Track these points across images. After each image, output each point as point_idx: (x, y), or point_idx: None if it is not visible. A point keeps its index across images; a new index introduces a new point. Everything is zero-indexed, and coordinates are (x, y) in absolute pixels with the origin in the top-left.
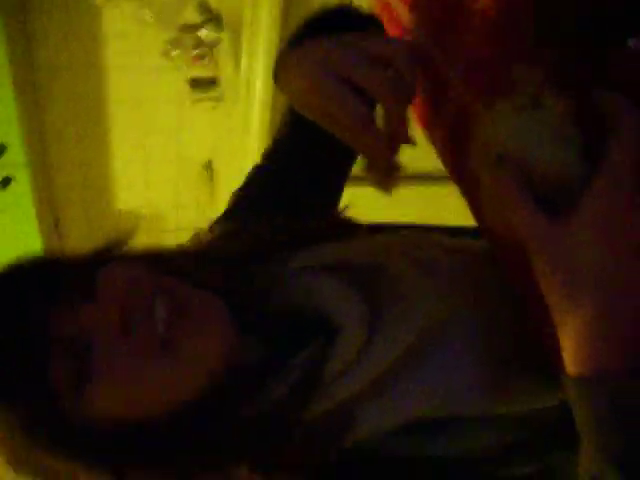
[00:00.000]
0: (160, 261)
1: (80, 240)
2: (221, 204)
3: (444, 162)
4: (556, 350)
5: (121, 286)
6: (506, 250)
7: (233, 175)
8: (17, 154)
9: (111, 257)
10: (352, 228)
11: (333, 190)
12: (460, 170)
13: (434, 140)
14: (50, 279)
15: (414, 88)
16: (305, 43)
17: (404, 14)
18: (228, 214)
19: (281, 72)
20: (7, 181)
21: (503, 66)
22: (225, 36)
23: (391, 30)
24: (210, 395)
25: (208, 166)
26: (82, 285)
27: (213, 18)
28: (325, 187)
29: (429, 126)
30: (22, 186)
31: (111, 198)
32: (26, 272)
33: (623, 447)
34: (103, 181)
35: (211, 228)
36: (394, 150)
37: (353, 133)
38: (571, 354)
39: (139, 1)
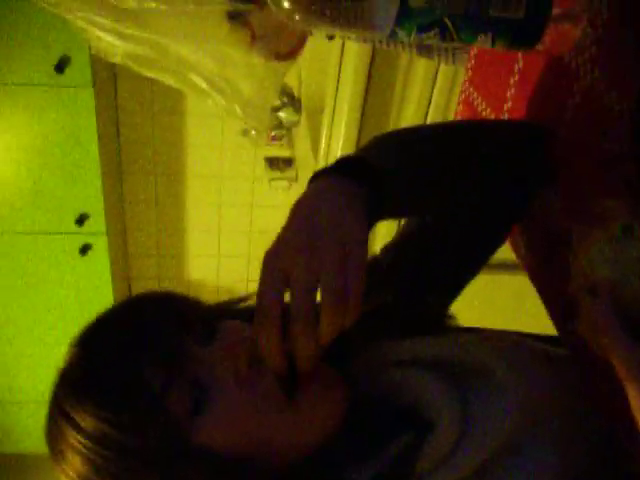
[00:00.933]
0: None
1: None
2: None
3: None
4: None
5: (248, 337)
6: (596, 368)
7: None
8: (97, 223)
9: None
10: (449, 325)
11: (453, 287)
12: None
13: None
14: (180, 314)
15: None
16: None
17: (491, 117)
18: None
19: None
20: (86, 249)
21: (596, 199)
22: (303, 119)
23: None
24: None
25: None
26: (206, 328)
27: (293, 101)
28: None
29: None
30: (100, 254)
31: (184, 268)
32: (160, 301)
33: None
34: (177, 251)
35: None
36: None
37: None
38: None
39: (228, 97)
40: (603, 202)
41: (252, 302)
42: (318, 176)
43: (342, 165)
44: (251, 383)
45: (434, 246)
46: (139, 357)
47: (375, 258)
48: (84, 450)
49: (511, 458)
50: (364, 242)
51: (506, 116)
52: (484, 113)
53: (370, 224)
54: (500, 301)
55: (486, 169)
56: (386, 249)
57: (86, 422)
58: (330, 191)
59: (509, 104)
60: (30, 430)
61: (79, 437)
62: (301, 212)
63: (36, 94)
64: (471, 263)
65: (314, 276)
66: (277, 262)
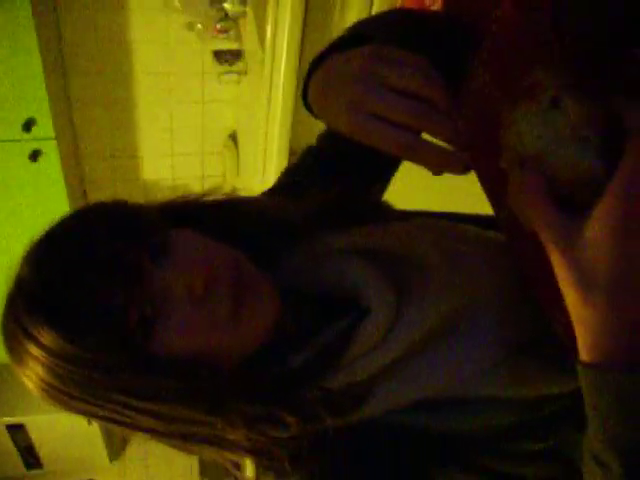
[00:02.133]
0: (223, 225)
1: None
2: (244, 175)
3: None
4: (569, 338)
5: (202, 258)
6: (525, 242)
7: (256, 147)
8: (46, 128)
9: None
10: (387, 212)
11: (382, 178)
12: (482, 162)
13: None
14: (133, 228)
15: (446, 104)
16: (329, 65)
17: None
18: (278, 189)
19: (313, 96)
20: (37, 154)
21: (523, 70)
22: (250, 10)
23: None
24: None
25: (233, 136)
26: (160, 242)
27: None
28: (376, 175)
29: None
30: (51, 159)
31: (138, 168)
32: (111, 214)
33: (626, 434)
34: (130, 152)
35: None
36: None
37: (406, 157)
38: (585, 344)
39: None
40: (532, 74)
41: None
42: (317, 63)
43: (339, 43)
44: (204, 303)
45: None
46: (97, 275)
47: (312, 148)
48: (46, 362)
49: (441, 341)
50: None
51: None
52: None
53: None
54: (443, 182)
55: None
56: (322, 136)
57: (46, 339)
58: (349, 53)
59: None
60: None
61: (39, 351)
62: (343, 98)
63: None
64: None
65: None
66: (368, 118)
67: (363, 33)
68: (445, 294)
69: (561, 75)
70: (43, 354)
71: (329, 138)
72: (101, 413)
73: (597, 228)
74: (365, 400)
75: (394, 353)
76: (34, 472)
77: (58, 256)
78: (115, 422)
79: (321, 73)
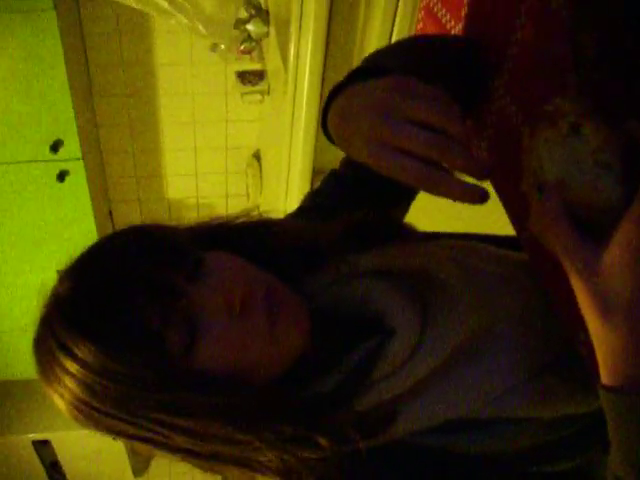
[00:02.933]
0: (255, 248)
1: None
2: (267, 193)
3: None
4: (592, 359)
5: (237, 275)
6: (547, 264)
7: (279, 166)
8: (73, 149)
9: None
10: (410, 234)
11: (403, 202)
12: (507, 189)
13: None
14: (167, 249)
15: (464, 137)
16: (349, 94)
17: (450, 23)
18: (301, 212)
19: (333, 125)
20: (64, 175)
21: (543, 94)
22: (272, 30)
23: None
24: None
25: (257, 155)
26: (194, 263)
27: (260, 13)
28: (397, 200)
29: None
30: (78, 179)
31: (162, 188)
32: (146, 236)
33: None
34: (155, 171)
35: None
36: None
37: (425, 189)
38: (606, 366)
39: (190, 14)
40: (553, 100)
41: (228, 222)
42: (337, 91)
43: (358, 72)
44: (242, 318)
45: None
46: (136, 292)
47: (334, 171)
48: (82, 377)
49: (465, 361)
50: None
51: (462, 23)
52: (444, 19)
53: None
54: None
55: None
56: (344, 161)
57: (83, 354)
58: (369, 84)
59: (465, 9)
60: (15, 357)
61: (77, 367)
62: (362, 102)
63: None
64: None
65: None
66: (388, 150)
67: (382, 64)
68: (468, 314)
69: (580, 102)
70: (80, 369)
71: (350, 163)
72: (133, 431)
73: (616, 254)
74: (393, 421)
75: (419, 374)
76: None
77: (98, 273)
78: (147, 441)
79: (341, 102)
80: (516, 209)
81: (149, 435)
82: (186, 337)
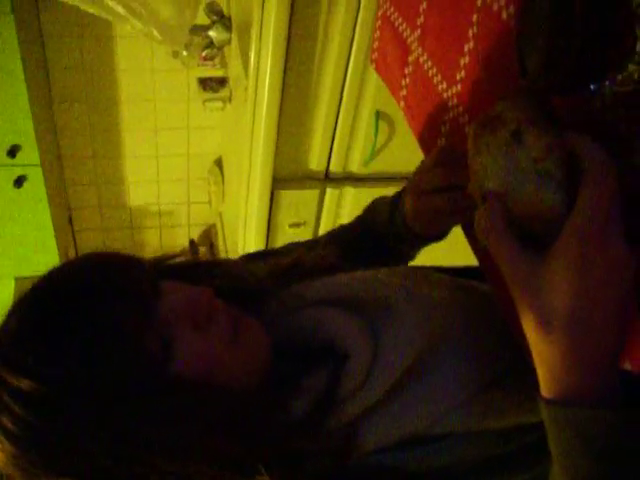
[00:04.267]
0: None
1: (93, 235)
2: (229, 201)
3: None
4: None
5: (195, 294)
6: (499, 276)
7: (240, 174)
8: (31, 154)
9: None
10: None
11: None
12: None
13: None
14: (123, 276)
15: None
16: None
17: (406, 32)
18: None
19: None
20: (21, 180)
21: (489, 101)
22: (234, 37)
23: (392, 47)
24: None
25: (219, 162)
26: (152, 285)
27: (222, 19)
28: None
29: (423, 142)
30: (36, 185)
31: (124, 194)
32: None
33: (586, 467)
34: (116, 178)
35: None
36: None
37: None
38: (545, 380)
39: (145, 20)
40: (495, 105)
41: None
42: None
43: None
44: (208, 328)
45: None
46: (111, 301)
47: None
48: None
49: (421, 375)
50: None
51: (418, 32)
52: (400, 28)
53: None
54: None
55: None
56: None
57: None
58: None
59: (421, 19)
60: None
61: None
62: None
63: None
64: None
65: None
66: None
67: None
68: (416, 334)
69: (522, 108)
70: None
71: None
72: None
73: (555, 265)
74: (353, 444)
75: (376, 394)
76: None
77: (65, 291)
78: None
79: None
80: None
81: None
82: (161, 340)
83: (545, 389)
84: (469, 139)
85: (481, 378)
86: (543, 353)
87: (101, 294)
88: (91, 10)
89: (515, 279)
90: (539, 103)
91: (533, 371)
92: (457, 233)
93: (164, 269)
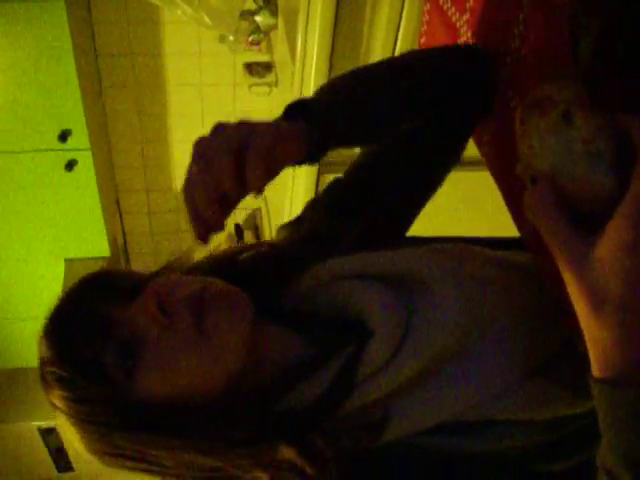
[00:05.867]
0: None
1: (140, 217)
2: (273, 188)
3: (489, 165)
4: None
5: (160, 286)
6: (548, 258)
7: None
8: (81, 138)
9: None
10: (397, 238)
11: (407, 216)
12: (505, 176)
13: (481, 143)
14: (112, 287)
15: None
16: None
17: (455, 16)
18: (299, 220)
19: None
20: (72, 164)
21: (539, 84)
22: (280, 22)
23: (440, 30)
24: (249, 385)
25: None
26: (134, 291)
27: (269, 4)
28: (398, 212)
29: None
30: (86, 169)
31: (170, 178)
32: (94, 281)
33: (638, 448)
34: (162, 161)
35: (279, 231)
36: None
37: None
38: (597, 360)
39: (195, 5)
40: (542, 86)
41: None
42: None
43: (290, 109)
44: (171, 325)
45: (389, 169)
46: (72, 333)
47: (341, 180)
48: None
49: (454, 362)
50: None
51: (467, 15)
52: (449, 12)
53: (318, 152)
54: (472, 198)
55: (421, 94)
56: (348, 172)
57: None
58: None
59: (471, 2)
60: (20, 345)
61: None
62: None
63: (5, 10)
64: (428, 179)
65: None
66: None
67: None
68: (454, 316)
69: (571, 88)
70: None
71: (356, 173)
72: (130, 464)
73: (608, 246)
74: (384, 426)
75: (403, 375)
76: (66, 475)
77: (54, 326)
78: (144, 471)
79: None
80: (517, 203)
81: (143, 466)
82: (124, 362)
83: (596, 369)
84: (516, 121)
85: (524, 366)
86: (596, 334)
87: (71, 322)
88: None
89: (566, 260)
90: (590, 87)
91: (581, 358)
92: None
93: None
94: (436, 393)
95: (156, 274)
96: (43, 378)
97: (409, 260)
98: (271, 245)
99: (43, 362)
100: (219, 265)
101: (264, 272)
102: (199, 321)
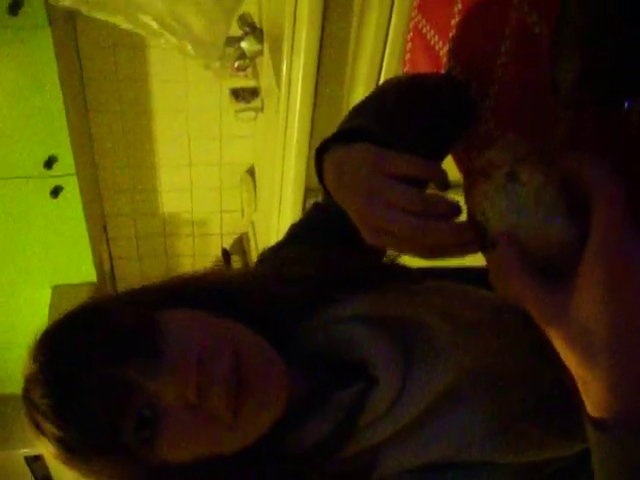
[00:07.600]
0: (214, 299)
1: (127, 242)
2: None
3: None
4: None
5: (193, 357)
6: None
7: (272, 183)
8: (67, 164)
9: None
10: (397, 274)
11: None
12: None
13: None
14: (118, 333)
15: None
16: (336, 161)
17: (438, 44)
18: (282, 246)
19: (330, 185)
20: (58, 190)
21: (480, 152)
22: (266, 48)
23: (423, 59)
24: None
25: (251, 171)
26: (148, 346)
27: (254, 31)
28: None
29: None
30: (72, 194)
31: (157, 203)
32: (97, 328)
33: None
34: (149, 186)
35: (262, 256)
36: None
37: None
38: (593, 404)
39: (180, 35)
40: (483, 154)
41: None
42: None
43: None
44: (199, 407)
45: None
46: (87, 394)
47: (321, 205)
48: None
49: (446, 408)
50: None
51: (449, 45)
52: (432, 41)
53: None
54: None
55: (424, 118)
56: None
57: (51, 443)
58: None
59: (453, 31)
60: (4, 372)
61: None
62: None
63: None
64: None
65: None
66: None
67: (361, 126)
68: (451, 364)
69: (512, 149)
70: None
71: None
72: None
73: (583, 292)
74: (373, 468)
75: (401, 422)
76: None
77: (51, 374)
78: None
79: (331, 168)
80: None
81: None
82: (143, 433)
83: (593, 412)
84: (464, 193)
85: (511, 411)
86: (588, 379)
87: (82, 380)
88: (125, 26)
89: (544, 319)
90: (569, 117)
91: (568, 398)
92: None
93: (180, 293)
94: (427, 437)
95: (162, 300)
96: (37, 427)
97: (411, 305)
98: (278, 281)
99: (40, 396)
100: (232, 300)
101: (280, 313)
102: (235, 405)
